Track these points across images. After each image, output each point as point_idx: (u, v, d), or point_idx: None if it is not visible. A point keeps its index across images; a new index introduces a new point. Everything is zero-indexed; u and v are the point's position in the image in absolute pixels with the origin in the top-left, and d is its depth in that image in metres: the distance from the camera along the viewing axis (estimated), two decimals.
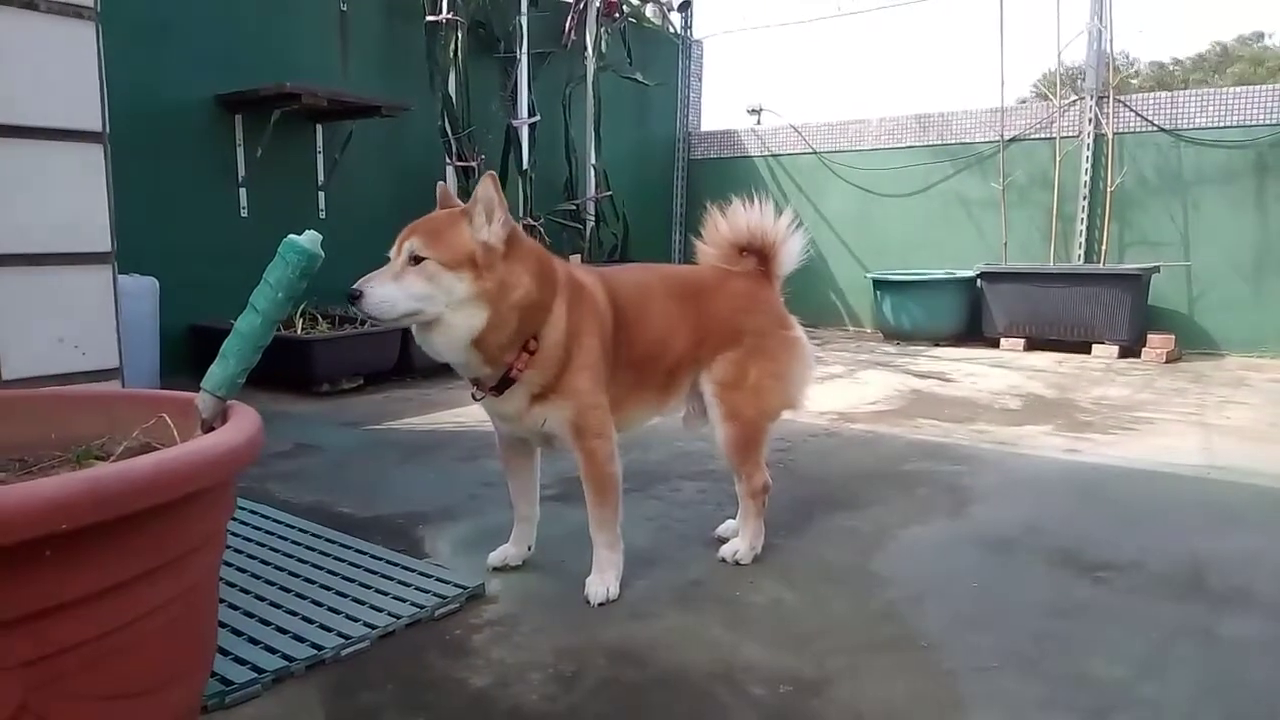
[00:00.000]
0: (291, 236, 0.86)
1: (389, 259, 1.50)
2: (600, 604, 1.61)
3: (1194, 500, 2.33)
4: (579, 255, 5.22)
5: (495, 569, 1.77)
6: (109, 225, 1.33)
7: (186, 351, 3.77)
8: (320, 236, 0.87)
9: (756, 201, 1.90)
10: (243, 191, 4.13)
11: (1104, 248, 5.40)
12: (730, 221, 1.92)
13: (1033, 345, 5.28)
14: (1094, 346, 5.08)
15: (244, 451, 0.76)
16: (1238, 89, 5.12)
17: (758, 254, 1.92)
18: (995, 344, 5.40)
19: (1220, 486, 2.46)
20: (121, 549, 0.67)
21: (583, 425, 1.61)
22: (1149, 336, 4.99)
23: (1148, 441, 2.99)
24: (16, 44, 1.24)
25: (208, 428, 0.87)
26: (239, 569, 1.68)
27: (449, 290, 1.46)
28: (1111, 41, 5.52)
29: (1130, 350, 5.02)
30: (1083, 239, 5.49)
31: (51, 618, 0.64)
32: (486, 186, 1.48)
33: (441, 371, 4.21)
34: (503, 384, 1.57)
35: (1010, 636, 1.51)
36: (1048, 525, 2.09)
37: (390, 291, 1.45)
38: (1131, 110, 5.35)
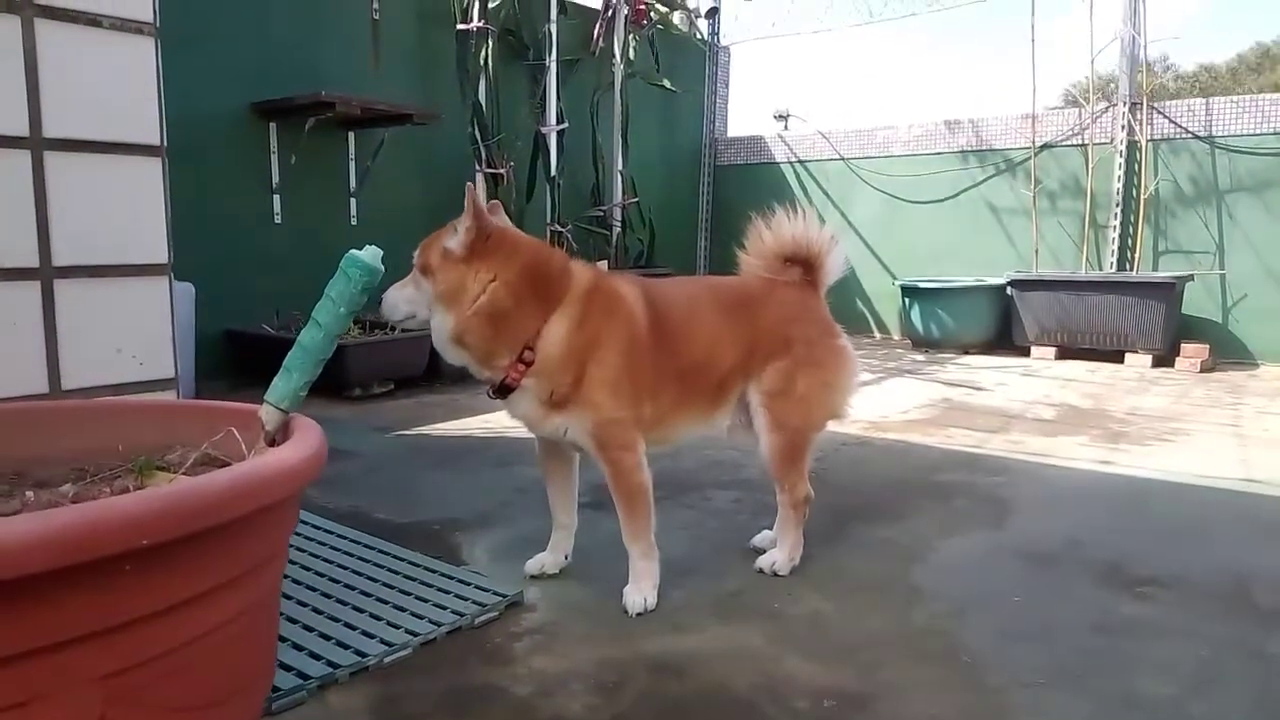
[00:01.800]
0: (353, 252, 0.87)
1: None
2: (638, 614, 1.61)
3: (1234, 514, 2.30)
4: (605, 261, 5.23)
5: (533, 577, 1.78)
6: (166, 237, 1.36)
7: (221, 356, 3.81)
8: (381, 252, 0.88)
9: (800, 211, 1.90)
10: (276, 198, 4.17)
11: (1137, 255, 5.34)
12: (775, 232, 1.92)
13: (1064, 354, 5.23)
14: (1126, 355, 5.02)
15: (311, 466, 0.77)
16: (1274, 95, 5.05)
17: (803, 264, 1.92)
18: (1025, 352, 5.35)
19: (1261, 500, 2.42)
20: (197, 563, 0.68)
21: (604, 438, 1.61)
22: (1183, 346, 4.93)
23: (1185, 453, 2.95)
24: (80, 59, 1.26)
25: (270, 440, 0.88)
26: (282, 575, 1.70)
27: (425, 294, 1.57)
28: (1145, 48, 5.46)
29: (1164, 360, 4.95)
30: (1115, 246, 5.43)
31: (129, 631, 0.65)
32: (467, 196, 1.53)
33: (470, 378, 4.22)
34: (501, 390, 1.59)
35: (1056, 652, 1.49)
36: (1088, 538, 2.06)
37: (392, 295, 1.60)
38: (1165, 117, 5.29)
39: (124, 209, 1.30)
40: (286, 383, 0.88)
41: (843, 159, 6.50)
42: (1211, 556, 1.95)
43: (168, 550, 0.65)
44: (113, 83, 1.28)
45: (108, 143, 1.29)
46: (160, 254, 1.35)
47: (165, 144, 1.35)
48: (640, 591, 1.64)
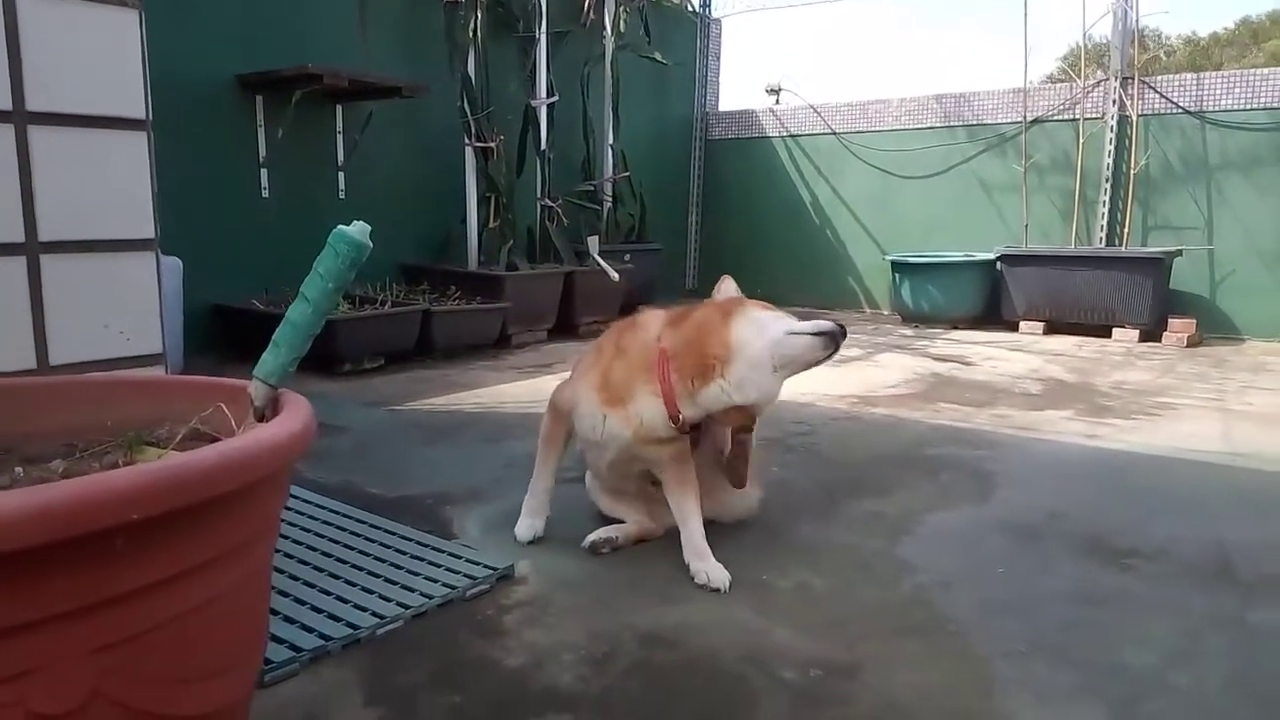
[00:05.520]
0: (341, 227, 0.87)
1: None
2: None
3: (1218, 487, 2.33)
4: (597, 236, 5.21)
5: (529, 543, 1.81)
6: (152, 212, 1.35)
7: (210, 332, 3.80)
8: (369, 227, 0.88)
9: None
10: (264, 172, 4.14)
11: (1126, 231, 5.35)
12: None
13: (1052, 329, 5.26)
14: (1114, 330, 5.05)
15: (301, 440, 0.78)
16: (1265, 70, 5.04)
17: None
18: (1014, 327, 5.38)
19: (1244, 473, 2.45)
20: (189, 537, 0.68)
21: None
22: (1170, 320, 4.96)
23: (1170, 427, 2.98)
24: (63, 32, 1.25)
25: (260, 415, 0.89)
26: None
27: None
28: (1137, 21, 5.44)
29: (1151, 334, 4.99)
30: (1104, 222, 5.45)
31: (122, 605, 0.65)
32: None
33: (461, 353, 4.25)
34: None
35: (1039, 623, 1.52)
36: (1073, 511, 2.09)
37: None
38: (1156, 91, 5.29)
39: (109, 183, 1.29)
40: (275, 358, 0.88)
41: (834, 133, 6.47)
42: (1194, 529, 1.98)
43: (158, 525, 0.65)
44: (96, 56, 1.27)
45: (92, 116, 1.27)
46: (147, 229, 1.34)
47: (150, 118, 1.34)
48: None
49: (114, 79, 1.29)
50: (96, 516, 0.62)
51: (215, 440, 0.86)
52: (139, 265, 1.34)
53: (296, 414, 0.81)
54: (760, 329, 1.60)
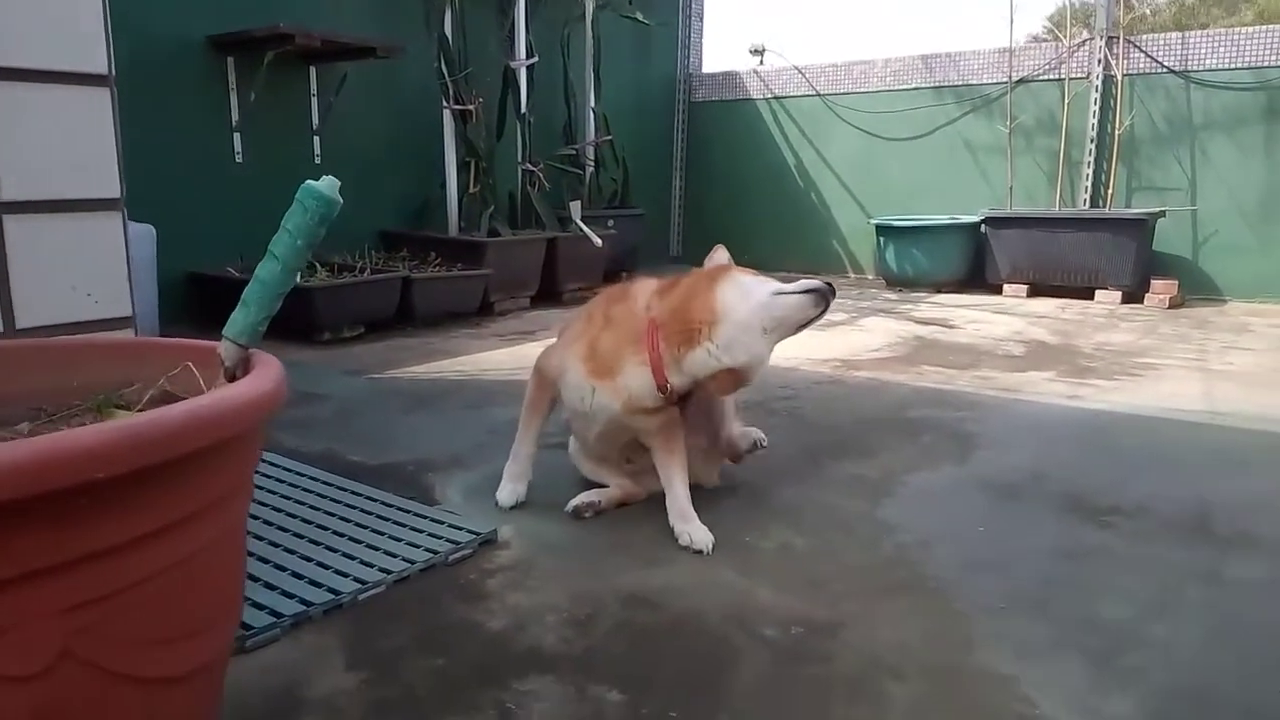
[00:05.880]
0: (310, 182, 0.84)
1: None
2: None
3: (1198, 445, 2.35)
4: (579, 201, 5.16)
5: (511, 508, 1.80)
6: (118, 171, 1.31)
7: (185, 299, 3.74)
8: (338, 182, 0.86)
9: None
10: (237, 136, 4.06)
11: (1110, 192, 5.35)
12: None
13: (1036, 291, 5.27)
14: (1097, 292, 5.07)
15: (272, 398, 0.76)
16: (1250, 29, 5.02)
17: None
18: (998, 290, 5.39)
19: (1223, 432, 2.48)
20: (157, 496, 0.66)
21: None
22: (1152, 282, 4.98)
23: (1151, 387, 3.00)
24: None
25: (230, 375, 0.87)
26: (252, 515, 1.69)
27: None
28: None
29: (1133, 296, 5.01)
30: (1089, 184, 5.44)
31: (90, 565, 0.64)
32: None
33: (442, 321, 4.21)
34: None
35: (1019, 580, 1.53)
36: (1053, 471, 2.10)
37: None
38: (1141, 51, 5.26)
39: (73, 142, 1.26)
40: (244, 317, 0.86)
41: (819, 95, 6.41)
42: (1174, 487, 2.00)
43: (125, 483, 0.64)
44: (54, 8, 1.22)
45: (52, 72, 1.23)
46: (113, 188, 1.30)
47: (114, 74, 1.30)
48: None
49: (74, 33, 1.25)
50: (61, 474, 0.60)
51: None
52: (105, 226, 1.30)
53: (267, 373, 0.79)
54: (746, 292, 1.60)
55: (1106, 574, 1.56)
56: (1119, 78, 5.27)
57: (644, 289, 1.72)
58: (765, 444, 1.91)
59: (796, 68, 6.51)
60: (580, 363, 1.70)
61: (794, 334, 1.63)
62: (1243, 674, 1.24)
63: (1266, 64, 4.90)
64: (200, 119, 3.94)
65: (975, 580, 1.53)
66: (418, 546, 1.58)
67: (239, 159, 4.07)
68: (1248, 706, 1.17)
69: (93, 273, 1.31)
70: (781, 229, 6.57)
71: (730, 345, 1.57)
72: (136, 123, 3.70)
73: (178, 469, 0.67)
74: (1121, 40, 5.26)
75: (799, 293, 1.58)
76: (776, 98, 6.61)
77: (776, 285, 1.61)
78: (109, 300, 1.32)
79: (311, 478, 1.93)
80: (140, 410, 0.84)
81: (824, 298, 1.59)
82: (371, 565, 1.51)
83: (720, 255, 1.77)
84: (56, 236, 1.27)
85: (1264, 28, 4.99)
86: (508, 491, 1.83)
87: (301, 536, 1.62)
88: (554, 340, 1.89)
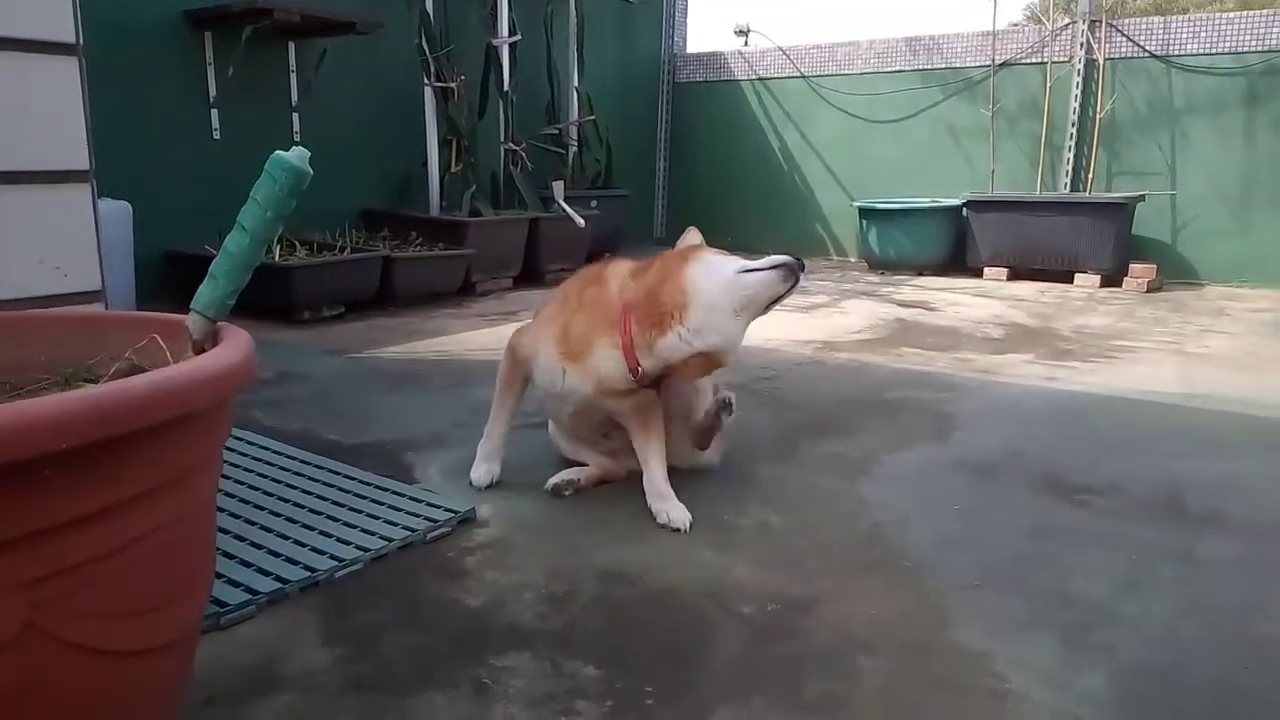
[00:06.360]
0: (279, 153, 0.83)
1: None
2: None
3: (1173, 427, 2.38)
4: (562, 182, 5.13)
5: (486, 488, 1.80)
6: (87, 142, 1.28)
7: (163, 278, 3.69)
8: (309, 153, 0.84)
9: None
10: (215, 113, 4.00)
11: (1090, 176, 5.38)
12: None
13: (1016, 275, 5.30)
14: (1076, 276, 5.10)
15: (240, 371, 0.75)
16: (1230, 14, 5.05)
17: None
18: (979, 273, 5.41)
19: (1198, 414, 2.50)
20: (121, 469, 0.66)
21: None
22: (1131, 266, 5.02)
23: (1127, 369, 3.03)
24: None
25: (199, 349, 0.86)
26: (228, 494, 1.68)
27: None
28: None
29: (1112, 279, 5.05)
30: (1070, 167, 5.47)
31: (53, 537, 0.63)
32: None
33: (424, 301, 4.19)
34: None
35: (993, 557, 1.55)
36: (1029, 451, 2.12)
37: None
38: (1123, 35, 5.27)
39: (40, 112, 1.23)
40: (213, 290, 0.84)
41: (804, 77, 6.39)
42: (1148, 467, 2.02)
43: (89, 454, 0.63)
44: None
45: (17, 40, 1.20)
46: (81, 160, 1.28)
47: (81, 43, 1.27)
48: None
49: (40, 0, 1.22)
50: (23, 444, 0.59)
51: None
52: (74, 198, 1.28)
53: (235, 346, 0.78)
54: (714, 272, 1.57)
55: (1079, 552, 1.57)
56: (1101, 62, 5.28)
57: (618, 271, 1.70)
58: (733, 404, 1.82)
59: (781, 49, 6.49)
60: (553, 345, 1.69)
61: (765, 312, 1.61)
62: (1211, 651, 1.26)
63: (1246, 49, 4.92)
64: (177, 95, 3.88)
65: (950, 558, 1.54)
66: (396, 525, 1.58)
67: (217, 136, 4.01)
68: (1216, 682, 1.19)
69: (61, 245, 1.28)
70: (765, 211, 6.57)
71: (701, 329, 1.56)
72: (113, 100, 3.67)
73: (143, 441, 0.66)
74: (1104, 24, 5.26)
75: (766, 268, 1.56)
76: (761, 79, 6.59)
77: (743, 263, 1.59)
78: (78, 274, 1.30)
79: (289, 456, 1.92)
80: (107, 382, 0.83)
81: (792, 272, 1.56)
82: (349, 543, 1.50)
83: (692, 236, 1.76)
84: (24, 208, 1.25)
85: (1245, 13, 5.02)
86: (482, 471, 1.82)
87: (279, 514, 1.61)
88: (529, 319, 1.88)
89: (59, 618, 0.64)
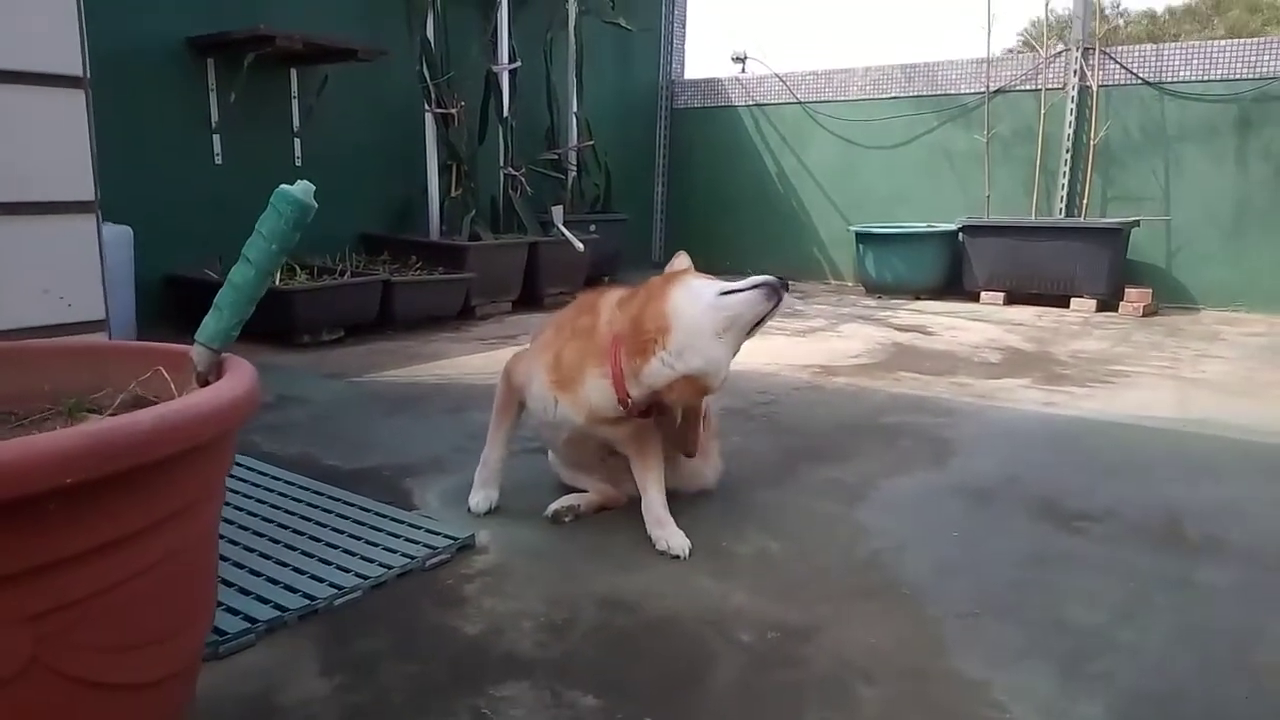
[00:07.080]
0: (284, 186, 0.84)
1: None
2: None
3: (1169, 452, 2.38)
4: (560, 206, 5.16)
5: (484, 514, 1.80)
6: (92, 173, 1.30)
7: (163, 302, 3.71)
8: (313, 187, 0.86)
9: None
10: (216, 138, 4.03)
11: (1085, 201, 5.42)
12: None
13: (1012, 299, 5.32)
14: (1072, 300, 5.13)
15: (243, 404, 0.76)
16: (1222, 42, 5.11)
17: None
18: (975, 298, 5.43)
19: (1194, 439, 2.51)
20: (126, 503, 0.66)
21: None
22: (1127, 290, 5.04)
23: (1124, 395, 3.04)
24: None
25: (203, 380, 0.87)
26: (227, 520, 1.68)
27: None
28: None
29: (1108, 304, 5.07)
30: (1064, 193, 5.51)
31: (58, 571, 0.63)
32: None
33: (423, 325, 4.20)
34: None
35: (990, 584, 1.55)
36: (1026, 476, 2.13)
37: None
38: (1116, 62, 5.33)
39: (47, 144, 1.25)
40: (217, 321, 0.85)
41: (800, 103, 6.45)
42: (1145, 492, 2.03)
43: (94, 489, 0.64)
44: (29, 10, 1.21)
45: (26, 73, 1.22)
46: (86, 191, 1.29)
47: (89, 76, 1.29)
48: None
49: (50, 34, 1.24)
50: (29, 480, 0.60)
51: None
52: (79, 229, 1.29)
53: (239, 378, 0.79)
54: (694, 295, 1.57)
55: (1076, 578, 1.58)
56: (1094, 88, 5.34)
57: (609, 300, 1.71)
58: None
59: (778, 75, 6.55)
60: (545, 373, 1.69)
61: (752, 334, 1.60)
62: (1209, 679, 1.26)
63: (1238, 76, 4.98)
64: (180, 121, 3.91)
65: (948, 584, 1.54)
66: (394, 551, 1.58)
67: (219, 161, 4.05)
68: (1213, 711, 1.19)
69: (66, 276, 1.30)
70: (762, 235, 6.60)
71: (682, 352, 1.54)
72: (116, 124, 3.70)
73: (148, 475, 0.67)
74: (1097, 51, 5.33)
75: (747, 289, 1.55)
76: (758, 105, 6.65)
77: (725, 285, 1.58)
78: (82, 303, 1.31)
79: (288, 482, 1.92)
80: (111, 415, 0.84)
81: (774, 291, 1.55)
82: (348, 570, 1.50)
83: (680, 261, 1.75)
84: (29, 239, 1.26)
85: (1235, 41, 5.08)
86: (480, 498, 1.82)
87: (277, 541, 1.61)
88: (526, 345, 1.89)
89: (62, 652, 0.64)
